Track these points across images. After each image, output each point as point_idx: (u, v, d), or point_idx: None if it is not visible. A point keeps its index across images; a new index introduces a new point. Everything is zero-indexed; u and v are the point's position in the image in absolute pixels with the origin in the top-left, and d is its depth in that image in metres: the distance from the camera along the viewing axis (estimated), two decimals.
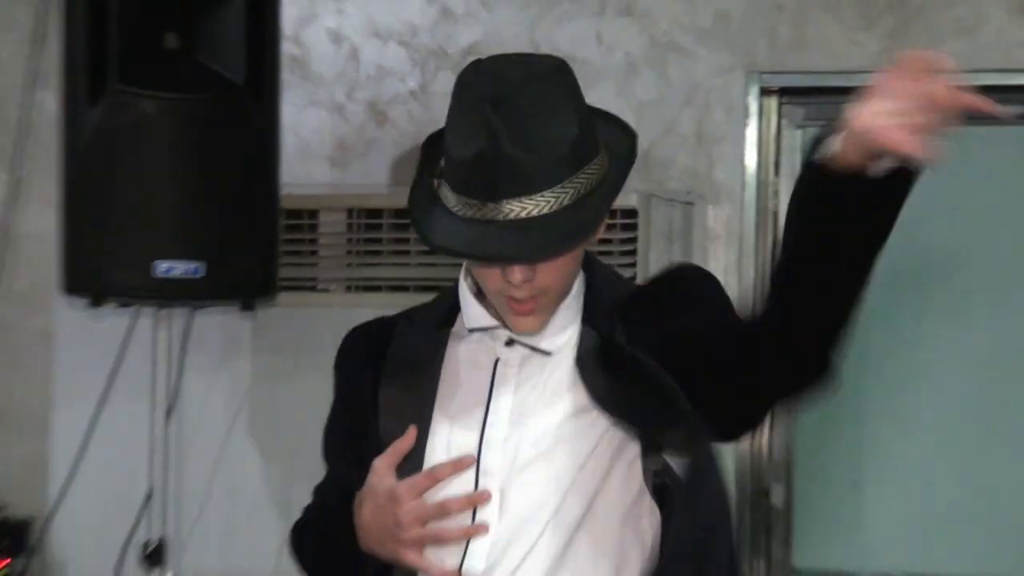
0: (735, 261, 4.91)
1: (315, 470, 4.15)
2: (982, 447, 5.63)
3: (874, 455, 5.74)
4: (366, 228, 5.38)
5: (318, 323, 5.24)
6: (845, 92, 5.09)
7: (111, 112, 4.81)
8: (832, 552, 5.86)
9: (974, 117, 1.99)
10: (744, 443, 4.95)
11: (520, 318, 2.51)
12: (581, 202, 2.40)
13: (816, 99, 5.26)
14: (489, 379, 2.58)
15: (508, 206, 2.35)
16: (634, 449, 2.46)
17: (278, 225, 5.05)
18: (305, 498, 4.10)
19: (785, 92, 5.26)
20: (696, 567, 2.49)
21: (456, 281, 2.69)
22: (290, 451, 5.70)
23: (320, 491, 2.82)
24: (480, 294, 2.58)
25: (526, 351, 2.57)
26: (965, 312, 5.48)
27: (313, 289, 5.58)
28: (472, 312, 2.63)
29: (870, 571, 5.68)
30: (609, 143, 2.53)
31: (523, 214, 2.35)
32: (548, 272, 2.42)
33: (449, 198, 2.41)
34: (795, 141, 4.91)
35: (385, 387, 2.66)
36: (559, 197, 2.37)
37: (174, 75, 4.92)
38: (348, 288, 5.54)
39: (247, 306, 5.04)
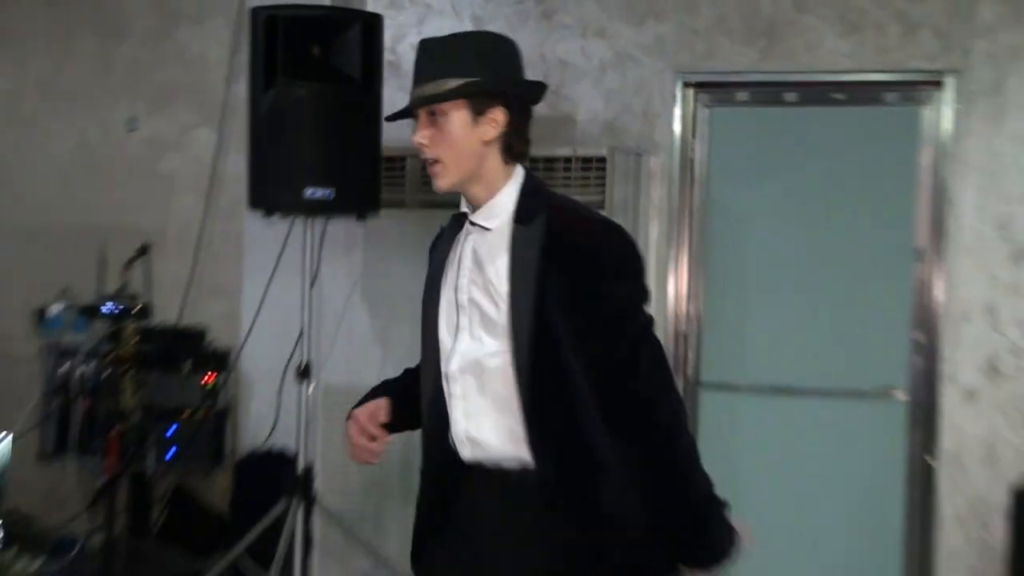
0: (666, 191, 6.66)
1: (405, 320, 5.65)
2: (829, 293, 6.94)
3: (755, 302, 7.14)
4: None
5: (404, 228, 6.91)
6: (734, 85, 6.99)
7: (279, 96, 6.18)
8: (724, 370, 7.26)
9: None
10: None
11: (433, 180, 3.23)
12: (447, 92, 3.09)
13: (717, 90, 6.99)
14: (455, 262, 3.27)
15: (416, 90, 3.14)
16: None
17: (380, 166, 6.49)
18: (397, 338, 5.80)
19: (698, 85, 6.92)
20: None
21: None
22: (388, 308, 7.29)
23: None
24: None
25: (474, 231, 3.24)
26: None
27: (401, 205, 6.96)
28: (462, 205, 3.31)
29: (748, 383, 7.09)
30: (493, 82, 3.15)
31: (419, 94, 3.13)
32: (436, 146, 3.14)
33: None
34: (704, 116, 6.66)
35: (428, 276, 3.42)
36: (432, 87, 3.11)
37: (317, 72, 6.30)
38: (422, 205, 6.93)
39: (360, 217, 6.53)
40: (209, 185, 7.62)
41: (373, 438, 3.33)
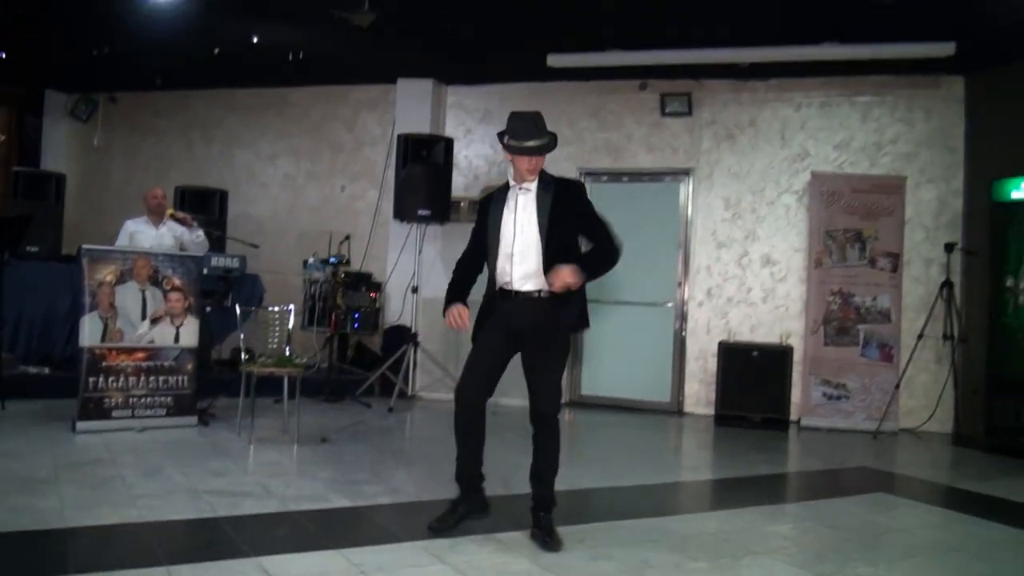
0: None
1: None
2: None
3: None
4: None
5: (456, 230, 8.47)
6: (599, 172, 8.82)
7: (408, 171, 8.17)
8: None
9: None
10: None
11: (530, 177, 4.02)
12: (545, 145, 3.92)
13: (593, 175, 8.79)
14: (513, 204, 4.09)
15: (530, 142, 3.92)
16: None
17: (449, 202, 8.46)
18: None
19: (585, 173, 8.65)
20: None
21: (507, 179, 4.17)
22: (450, 265, 8.96)
23: (463, 254, 4.34)
24: (510, 177, 4.11)
25: (522, 190, 4.07)
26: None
27: (458, 220, 8.67)
28: (511, 182, 4.08)
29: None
30: (553, 140, 3.98)
31: (530, 143, 3.92)
32: (538, 163, 4.00)
33: (511, 144, 4.00)
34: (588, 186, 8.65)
35: (491, 212, 4.15)
36: (541, 142, 3.91)
37: (424, 160, 8.16)
38: (464, 220, 8.60)
39: (441, 223, 8.49)
40: (375, 212, 9.65)
41: (461, 319, 4.13)
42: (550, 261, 3.97)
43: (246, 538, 4.06)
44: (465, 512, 4.21)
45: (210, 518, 4.32)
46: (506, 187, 4.14)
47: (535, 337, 4.02)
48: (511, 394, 4.35)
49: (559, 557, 3.95)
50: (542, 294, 4.02)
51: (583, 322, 4.15)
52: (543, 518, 4.11)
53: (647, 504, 5.17)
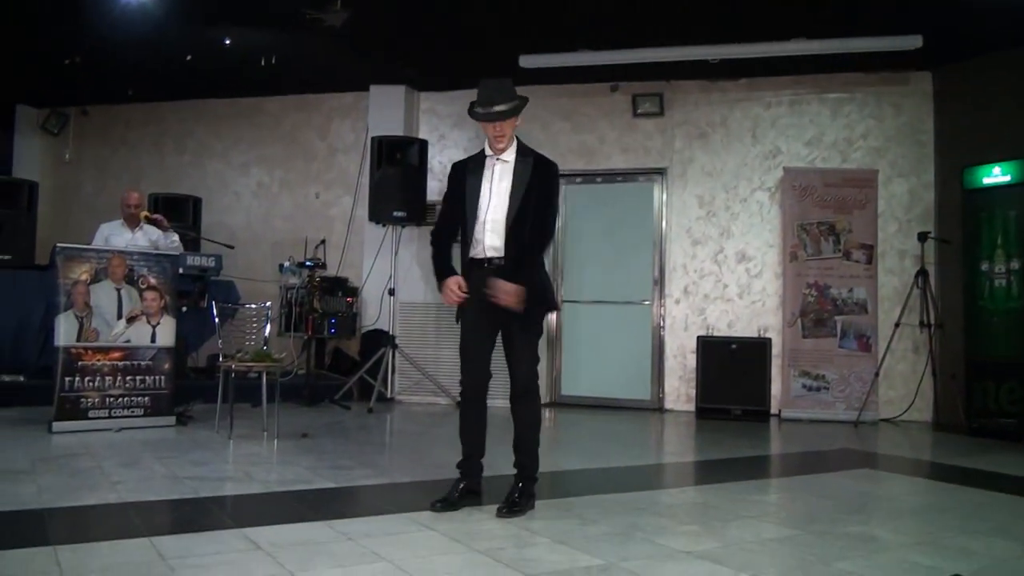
0: None
1: (429, 271, 7.53)
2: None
3: (588, 271, 8.86)
4: None
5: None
6: (575, 174, 8.86)
7: (382, 174, 8.13)
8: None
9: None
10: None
11: (497, 144, 3.99)
12: (508, 111, 3.88)
13: (568, 176, 8.82)
14: (490, 174, 4.05)
15: (495, 107, 3.90)
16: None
17: (425, 204, 8.43)
18: (427, 278, 7.86)
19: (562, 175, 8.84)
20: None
21: (483, 147, 4.12)
22: (426, 267, 8.58)
23: (437, 225, 4.25)
24: (487, 147, 4.07)
25: (499, 161, 4.04)
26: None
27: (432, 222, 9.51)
28: (487, 151, 4.05)
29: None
30: (522, 103, 3.94)
31: (495, 109, 3.90)
32: (502, 130, 3.95)
33: (478, 111, 3.98)
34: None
35: (468, 181, 4.07)
36: (505, 107, 3.88)
37: (398, 163, 8.16)
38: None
39: (417, 225, 8.44)
40: (349, 218, 9.66)
41: (460, 292, 4.04)
42: (510, 231, 3.97)
43: (229, 513, 4.02)
44: (466, 491, 4.14)
45: (192, 498, 4.25)
46: (481, 156, 4.12)
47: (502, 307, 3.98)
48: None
49: (549, 523, 3.92)
50: (504, 264, 4.01)
51: (549, 304, 4.14)
52: (515, 487, 4.07)
53: (632, 481, 5.17)
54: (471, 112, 4.06)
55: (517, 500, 4.04)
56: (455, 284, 4.01)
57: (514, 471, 4.16)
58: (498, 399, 4.15)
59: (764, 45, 7.84)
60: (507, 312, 3.95)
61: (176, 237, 7.33)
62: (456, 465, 4.20)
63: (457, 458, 4.19)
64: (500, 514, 3.96)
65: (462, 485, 4.14)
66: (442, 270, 4.10)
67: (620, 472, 5.47)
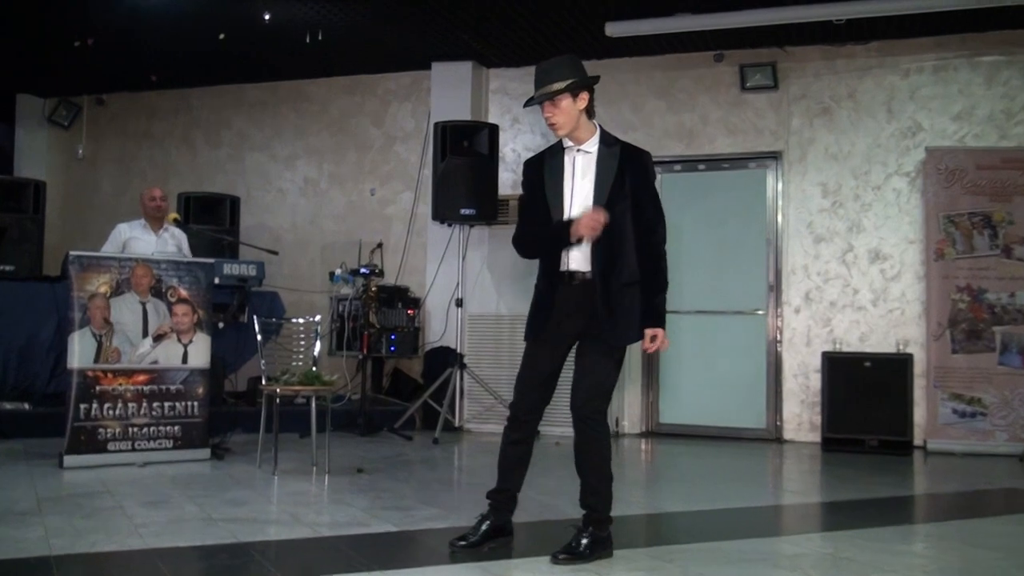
0: None
1: (506, 277, 7.64)
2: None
3: (691, 275, 8.64)
4: None
5: (507, 232, 7.78)
6: (673, 161, 8.76)
7: (447, 164, 8.24)
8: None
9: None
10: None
11: (554, 132, 4.02)
12: (560, 90, 3.86)
13: (663, 164, 8.72)
14: (571, 169, 4.05)
15: (544, 88, 3.88)
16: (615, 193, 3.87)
17: (496, 198, 8.44)
18: (504, 286, 7.83)
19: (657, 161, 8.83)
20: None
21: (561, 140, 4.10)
22: (499, 272, 8.93)
23: (522, 228, 4.21)
24: (565, 137, 4.06)
25: (580, 152, 4.04)
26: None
27: (506, 222, 8.62)
28: (565, 142, 4.04)
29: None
30: (581, 81, 3.91)
31: (543, 91, 3.89)
32: (553, 115, 3.94)
33: (531, 101, 3.97)
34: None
35: (548, 181, 4.08)
36: (559, 84, 3.85)
37: (465, 152, 8.27)
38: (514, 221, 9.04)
39: (488, 223, 8.55)
40: (410, 217, 9.79)
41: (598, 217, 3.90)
42: (600, 242, 3.98)
43: (272, 561, 4.02)
44: (491, 530, 4.17)
45: (230, 543, 4.26)
46: (559, 147, 4.13)
47: (588, 326, 4.03)
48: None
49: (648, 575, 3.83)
50: (593, 276, 4.03)
51: (633, 336, 4.11)
52: (581, 531, 4.05)
53: (744, 526, 5.06)
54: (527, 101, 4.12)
55: (580, 546, 4.00)
56: (589, 214, 3.91)
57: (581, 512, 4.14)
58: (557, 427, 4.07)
59: (900, 0, 7.63)
60: (583, 337, 4.02)
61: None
62: (487, 495, 4.23)
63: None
64: (556, 560, 3.95)
65: (488, 523, 4.16)
66: (557, 223, 4.04)
67: (730, 515, 5.37)
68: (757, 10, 7.95)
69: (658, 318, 4.02)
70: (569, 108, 3.98)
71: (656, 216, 4.08)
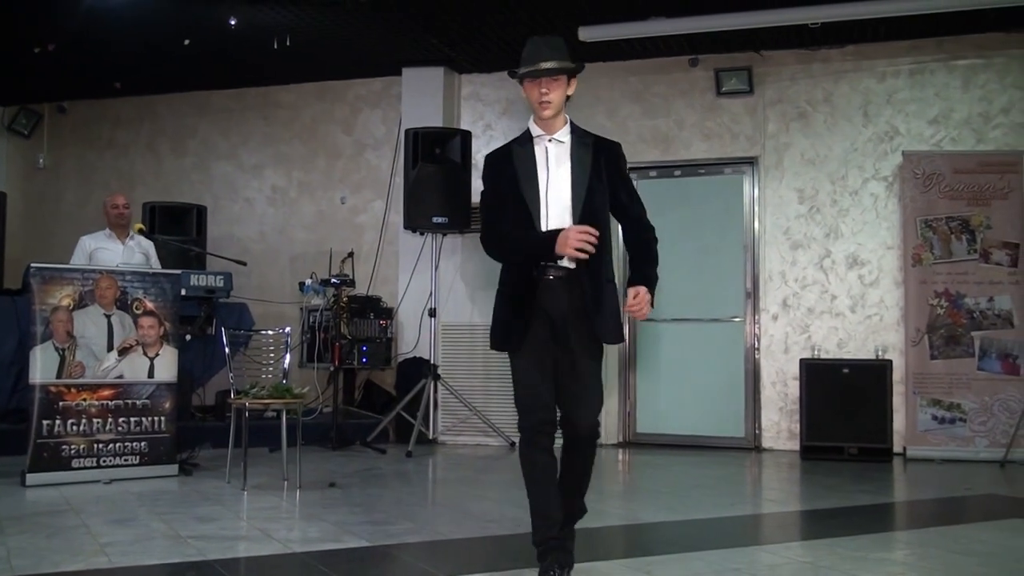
0: None
1: (479, 286, 7.54)
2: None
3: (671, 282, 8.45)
4: None
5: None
6: (648, 167, 8.84)
7: (419, 172, 8.27)
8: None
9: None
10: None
11: (543, 112, 3.81)
12: (561, 68, 3.75)
13: (639, 170, 8.43)
14: (543, 159, 3.84)
15: (543, 64, 3.73)
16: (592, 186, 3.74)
17: (470, 206, 8.32)
18: (478, 296, 7.68)
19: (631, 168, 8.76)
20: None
21: (527, 128, 3.92)
22: (472, 281, 8.88)
23: (492, 227, 3.91)
24: (533, 126, 3.89)
25: (552, 141, 3.87)
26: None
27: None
28: (535, 131, 3.86)
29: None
30: (579, 67, 3.82)
31: (543, 65, 3.73)
32: (550, 92, 3.78)
33: (520, 70, 3.79)
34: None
35: (519, 172, 3.84)
36: (558, 63, 3.73)
37: (437, 159, 8.29)
38: None
39: (461, 232, 8.55)
40: (382, 226, 9.81)
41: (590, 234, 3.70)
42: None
43: None
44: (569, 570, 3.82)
45: (198, 561, 4.25)
46: (527, 137, 3.92)
47: (574, 326, 3.79)
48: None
49: None
50: (575, 270, 3.80)
51: (619, 334, 3.95)
52: (567, 539, 3.86)
53: (722, 536, 5.07)
54: (511, 72, 3.95)
55: (571, 552, 3.86)
56: (576, 229, 3.69)
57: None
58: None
59: (876, 3, 7.71)
60: (570, 339, 3.77)
61: None
62: (536, 542, 3.80)
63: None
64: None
65: (565, 570, 3.77)
66: (536, 235, 3.79)
67: (708, 525, 5.38)
68: (732, 14, 7.97)
69: (646, 280, 3.90)
70: (563, 90, 3.86)
71: (642, 209, 4.01)
